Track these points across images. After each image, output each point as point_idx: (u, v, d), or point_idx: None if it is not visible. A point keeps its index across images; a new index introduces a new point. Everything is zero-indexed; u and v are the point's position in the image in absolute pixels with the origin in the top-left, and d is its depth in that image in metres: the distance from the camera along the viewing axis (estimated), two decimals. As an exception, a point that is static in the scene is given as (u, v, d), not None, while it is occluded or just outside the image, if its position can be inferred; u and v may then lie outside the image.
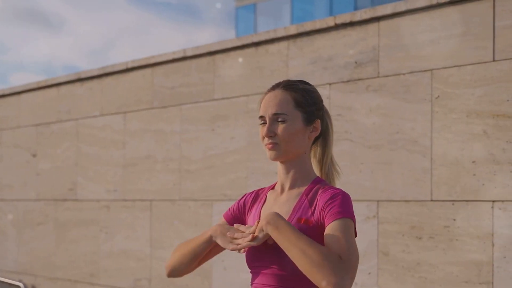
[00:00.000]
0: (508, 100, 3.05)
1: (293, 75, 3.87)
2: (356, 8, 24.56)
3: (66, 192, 5.31)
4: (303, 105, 1.88)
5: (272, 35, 3.99)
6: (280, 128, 1.86)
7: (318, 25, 3.78)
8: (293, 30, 3.89)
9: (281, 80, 1.98)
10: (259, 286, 1.86)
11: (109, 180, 4.97)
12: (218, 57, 4.32)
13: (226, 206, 4.14)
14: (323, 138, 1.96)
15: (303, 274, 1.74)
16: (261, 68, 4.07)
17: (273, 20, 27.45)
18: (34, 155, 5.64)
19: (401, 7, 3.43)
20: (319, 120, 1.92)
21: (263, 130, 1.88)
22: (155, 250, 4.59)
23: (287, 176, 1.92)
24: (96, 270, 5.02)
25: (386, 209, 3.41)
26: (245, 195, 2.05)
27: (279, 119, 1.86)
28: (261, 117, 1.90)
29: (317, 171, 1.97)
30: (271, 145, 1.86)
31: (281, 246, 1.75)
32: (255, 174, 4.03)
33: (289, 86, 1.91)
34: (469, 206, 3.14)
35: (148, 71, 4.75)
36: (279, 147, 1.86)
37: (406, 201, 3.35)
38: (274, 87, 1.92)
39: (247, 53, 4.16)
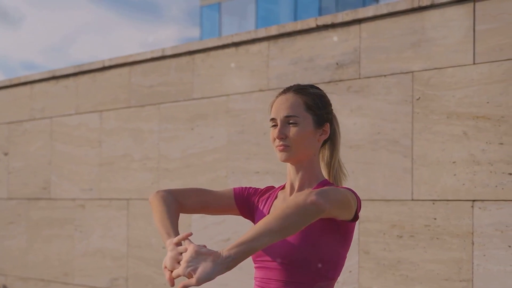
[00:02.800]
0: (488, 102, 3.13)
1: (274, 76, 3.91)
2: (320, 9, 24.73)
3: (39, 191, 5.27)
4: (314, 108, 1.94)
5: (253, 36, 4.02)
6: (292, 130, 1.91)
7: (299, 26, 3.82)
8: (274, 30, 3.93)
9: (292, 84, 2.03)
10: (265, 280, 1.90)
11: (84, 178, 4.94)
12: (197, 56, 4.33)
13: (206, 205, 4.15)
14: (331, 141, 2.01)
15: (312, 268, 1.80)
16: (241, 68, 4.10)
17: (238, 20, 27.48)
18: (5, 154, 5.57)
19: (382, 9, 3.50)
20: (328, 124, 1.97)
21: (274, 132, 1.93)
22: (132, 249, 4.58)
23: (296, 177, 1.97)
24: (70, 269, 4.98)
25: (367, 208, 3.47)
26: (258, 188, 2.11)
27: (290, 122, 1.91)
28: (273, 119, 1.95)
29: (325, 174, 2.02)
30: (282, 147, 1.91)
31: (265, 245, 1.65)
32: (235, 173, 4.06)
33: (300, 89, 1.96)
34: (450, 205, 3.21)
35: (125, 69, 4.73)
36: (290, 149, 1.91)
37: (387, 200, 3.41)
38: (285, 91, 1.98)
39: (227, 53, 4.18)
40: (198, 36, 28.86)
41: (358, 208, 1.86)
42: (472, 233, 3.14)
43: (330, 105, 2.00)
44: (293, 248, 1.83)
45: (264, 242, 1.62)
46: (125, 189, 4.66)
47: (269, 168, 3.89)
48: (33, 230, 5.29)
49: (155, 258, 4.44)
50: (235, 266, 1.62)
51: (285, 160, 1.93)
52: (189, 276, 1.61)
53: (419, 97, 3.34)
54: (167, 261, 1.70)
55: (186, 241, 1.69)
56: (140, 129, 4.61)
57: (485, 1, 3.17)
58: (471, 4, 3.21)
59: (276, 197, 2.03)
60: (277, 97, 1.98)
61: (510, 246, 3.03)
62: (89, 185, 4.89)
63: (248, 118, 4.01)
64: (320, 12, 24.52)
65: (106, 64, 4.83)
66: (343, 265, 1.90)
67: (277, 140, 1.92)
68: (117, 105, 4.77)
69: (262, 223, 1.64)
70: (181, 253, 1.68)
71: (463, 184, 3.18)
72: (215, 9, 27.86)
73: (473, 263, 3.13)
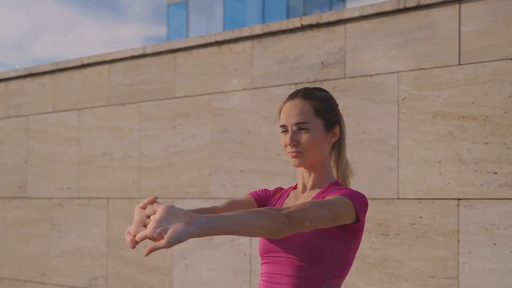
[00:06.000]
0: (473, 102, 3.18)
1: (258, 75, 3.92)
2: (288, 9, 24.80)
3: (15, 190, 5.19)
4: (323, 112, 1.95)
5: (236, 34, 4.02)
6: (303, 137, 1.92)
7: (284, 25, 3.83)
8: (258, 30, 3.93)
9: (299, 89, 2.04)
10: (274, 275, 1.90)
11: (62, 177, 4.89)
12: (179, 54, 4.31)
13: (188, 203, 4.15)
14: (339, 141, 2.04)
15: (322, 266, 1.83)
16: (224, 67, 4.10)
17: (205, 18, 27.40)
18: (-21, 152, 5.48)
19: (367, 10, 3.53)
20: (337, 126, 2.00)
21: (285, 138, 1.94)
22: (112, 248, 4.54)
23: (309, 178, 2.00)
24: (48, 269, 4.93)
25: (353, 207, 3.49)
26: (269, 190, 2.12)
27: (302, 128, 1.93)
28: (283, 125, 1.96)
29: (334, 172, 2.05)
30: (295, 153, 1.93)
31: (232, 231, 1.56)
32: (218, 172, 4.05)
33: (308, 94, 1.97)
34: (435, 203, 3.26)
35: (105, 67, 4.69)
36: (303, 155, 1.93)
37: (373, 199, 3.44)
38: (292, 96, 1.98)
39: (210, 52, 4.17)
40: (165, 34, 28.69)
41: (358, 210, 1.86)
42: (458, 232, 3.19)
43: (337, 105, 2.02)
44: (305, 245, 1.85)
45: (237, 230, 1.55)
46: (105, 188, 4.62)
47: (252, 167, 3.90)
48: (9, 230, 5.22)
49: (135, 257, 4.41)
50: (208, 235, 1.48)
51: (298, 166, 1.96)
52: (159, 237, 1.42)
53: (405, 97, 3.38)
54: (131, 226, 1.56)
55: (155, 204, 1.53)
56: (120, 128, 4.57)
57: (471, 3, 3.22)
58: (457, 6, 3.26)
59: (288, 195, 2.05)
60: (284, 102, 1.99)
61: (495, 244, 3.09)
62: (68, 184, 4.84)
63: (232, 117, 4.01)
64: (288, 12, 24.58)
65: (85, 61, 4.78)
66: (351, 264, 1.92)
67: (289, 147, 1.94)
68: (96, 103, 4.72)
69: (250, 214, 1.59)
70: (148, 216, 1.55)
71: (449, 183, 3.22)
72: (182, 8, 27.73)
73: (458, 261, 3.18)
